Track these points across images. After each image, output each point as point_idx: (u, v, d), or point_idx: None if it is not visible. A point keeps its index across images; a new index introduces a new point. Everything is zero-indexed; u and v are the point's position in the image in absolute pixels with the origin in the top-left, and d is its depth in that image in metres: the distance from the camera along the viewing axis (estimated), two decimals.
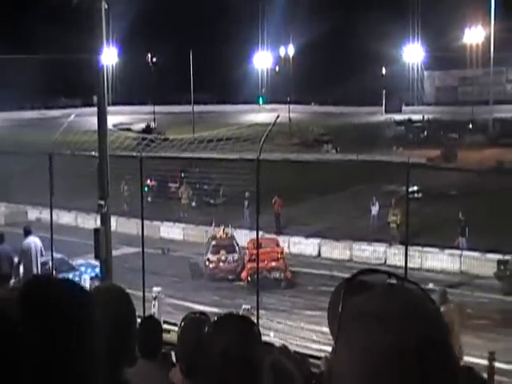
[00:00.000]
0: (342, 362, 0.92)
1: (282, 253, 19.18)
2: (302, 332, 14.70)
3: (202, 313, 3.87)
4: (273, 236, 21.22)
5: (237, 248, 20.19)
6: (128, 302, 2.32)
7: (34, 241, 14.45)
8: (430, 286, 18.43)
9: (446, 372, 0.90)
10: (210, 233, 21.96)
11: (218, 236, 20.85)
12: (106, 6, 13.98)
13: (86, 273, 17.71)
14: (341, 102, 63.72)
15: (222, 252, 19.76)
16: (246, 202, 24.23)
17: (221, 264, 19.58)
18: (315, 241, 22.23)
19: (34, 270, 14.20)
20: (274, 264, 18.33)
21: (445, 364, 0.89)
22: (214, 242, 20.31)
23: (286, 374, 3.08)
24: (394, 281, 1.02)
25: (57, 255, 17.16)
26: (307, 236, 22.50)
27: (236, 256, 19.86)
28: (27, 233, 14.57)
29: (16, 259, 14.13)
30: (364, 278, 1.02)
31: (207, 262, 19.78)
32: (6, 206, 28.56)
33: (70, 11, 14.71)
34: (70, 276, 15.13)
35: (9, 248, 14.09)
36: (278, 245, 19.94)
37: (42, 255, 14.59)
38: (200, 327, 3.40)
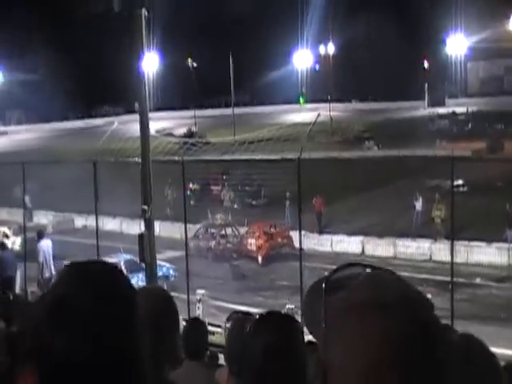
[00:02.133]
0: (338, 357, 0.92)
1: (288, 234, 21.52)
2: None
3: (246, 312, 3.96)
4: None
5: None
6: (170, 303, 2.38)
7: (46, 243, 15.77)
8: (477, 280, 18.23)
9: (447, 348, 0.92)
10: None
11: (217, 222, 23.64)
12: (147, 13, 14.19)
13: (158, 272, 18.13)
14: (382, 97, 63.11)
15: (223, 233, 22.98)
16: (288, 202, 24.29)
17: (227, 244, 22.35)
18: (358, 238, 22.14)
19: (47, 269, 15.47)
20: (285, 241, 21.46)
21: (443, 342, 0.92)
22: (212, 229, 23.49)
23: None
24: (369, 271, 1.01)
25: (126, 256, 17.93)
26: (350, 234, 22.43)
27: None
28: (40, 236, 15.88)
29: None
30: (341, 274, 1.02)
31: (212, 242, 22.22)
32: (54, 214, 29.27)
33: (112, 19, 15.03)
34: (140, 276, 16.02)
35: (12, 254, 15.15)
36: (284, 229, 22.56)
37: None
38: (244, 326, 3.52)
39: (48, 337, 1.07)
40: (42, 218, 28.77)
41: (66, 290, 1.11)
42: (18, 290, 15.21)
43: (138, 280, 15.96)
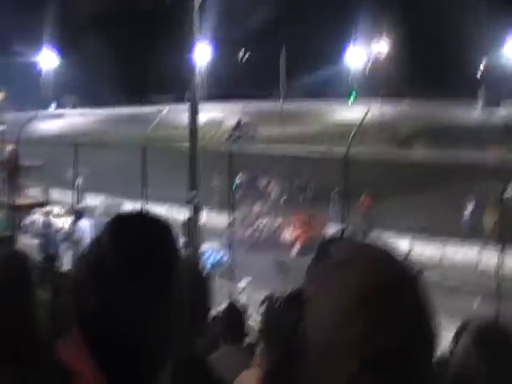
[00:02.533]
0: (320, 304, 0.99)
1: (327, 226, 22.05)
2: None
3: (280, 295, 3.95)
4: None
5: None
6: (201, 274, 2.39)
7: (85, 224, 16.23)
8: None
9: (420, 303, 0.96)
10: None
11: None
12: (199, 3, 14.28)
13: (209, 258, 18.57)
14: (437, 96, 62.07)
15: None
16: (333, 201, 24.12)
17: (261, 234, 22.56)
18: (405, 238, 21.86)
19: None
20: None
21: (418, 297, 0.96)
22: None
23: None
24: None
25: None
26: (397, 233, 22.17)
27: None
28: (79, 216, 16.51)
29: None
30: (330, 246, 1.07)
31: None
32: (104, 197, 29.79)
33: (165, 8, 15.13)
34: None
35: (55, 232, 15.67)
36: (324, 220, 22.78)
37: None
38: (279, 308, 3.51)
39: (86, 295, 1.09)
40: (92, 200, 29.30)
41: (106, 250, 1.12)
42: (66, 267, 15.58)
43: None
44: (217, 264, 17.33)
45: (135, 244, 1.11)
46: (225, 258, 19.07)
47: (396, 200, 25.48)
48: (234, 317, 4.33)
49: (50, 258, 14.59)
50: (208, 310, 2.48)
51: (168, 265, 1.12)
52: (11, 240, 14.39)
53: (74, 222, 16.64)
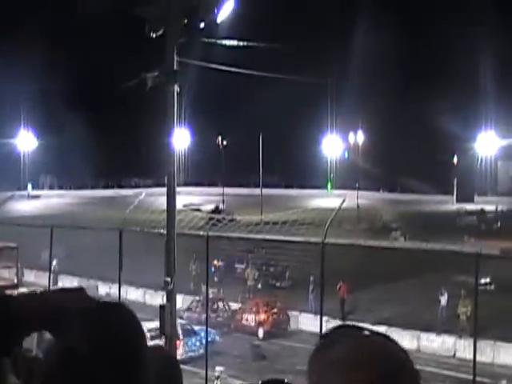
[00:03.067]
0: None
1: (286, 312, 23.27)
2: None
3: (280, 380, 3.90)
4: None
5: None
6: (177, 369, 2.37)
7: None
8: (503, 383, 17.65)
9: None
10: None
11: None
12: (178, 90, 14.59)
13: (204, 338, 18.78)
14: (411, 190, 63.32)
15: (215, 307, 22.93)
16: (311, 287, 24.10)
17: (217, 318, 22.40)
18: (381, 328, 21.71)
19: None
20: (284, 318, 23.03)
21: None
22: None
23: None
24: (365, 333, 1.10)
25: (182, 321, 18.48)
26: (373, 323, 22.05)
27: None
28: None
29: None
30: (337, 334, 1.10)
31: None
32: (79, 280, 29.37)
33: (145, 93, 15.41)
34: (193, 340, 18.67)
35: None
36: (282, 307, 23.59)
37: None
38: None
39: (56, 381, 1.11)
40: (67, 282, 28.84)
41: (74, 343, 1.13)
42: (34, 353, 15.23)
43: (191, 344, 18.28)
44: (211, 342, 17.38)
45: (104, 335, 1.13)
46: (217, 337, 19.11)
47: (372, 289, 25.52)
48: None
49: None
50: None
51: (133, 356, 1.15)
52: None
53: None
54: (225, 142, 66.84)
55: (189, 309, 23.27)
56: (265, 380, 2.20)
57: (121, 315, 1.18)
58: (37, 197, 61.30)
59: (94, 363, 1.09)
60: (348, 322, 22.65)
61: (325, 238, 14.01)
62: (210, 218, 25.81)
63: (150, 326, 18.87)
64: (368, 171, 65.91)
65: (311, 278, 23.67)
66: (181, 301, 20.46)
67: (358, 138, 74.78)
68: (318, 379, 1.02)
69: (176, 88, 14.52)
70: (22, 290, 24.20)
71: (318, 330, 16.01)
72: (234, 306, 24.07)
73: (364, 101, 66.13)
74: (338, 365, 0.99)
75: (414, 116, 63.59)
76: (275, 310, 23.09)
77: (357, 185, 57.34)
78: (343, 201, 15.69)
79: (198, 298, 23.93)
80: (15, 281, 23.40)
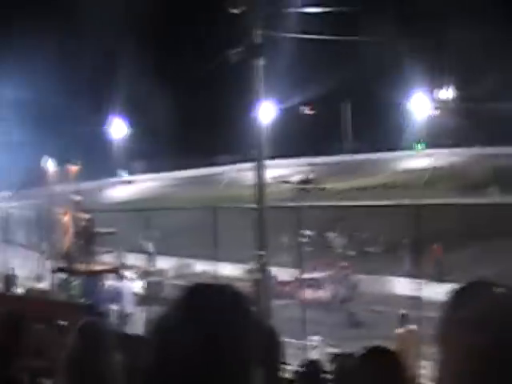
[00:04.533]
0: (452, 362, 1.00)
1: None
2: None
3: (349, 353, 4.00)
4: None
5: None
6: (278, 339, 2.45)
7: (126, 284, 18.39)
8: None
9: None
10: None
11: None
12: (263, 63, 14.61)
13: None
14: (508, 142, 60.66)
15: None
16: (406, 249, 23.80)
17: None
18: None
19: (127, 306, 17.41)
20: None
21: None
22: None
23: None
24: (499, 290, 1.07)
25: None
26: None
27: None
28: (121, 278, 18.60)
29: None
30: (467, 292, 1.09)
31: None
32: (175, 260, 30.33)
33: (229, 69, 15.45)
34: None
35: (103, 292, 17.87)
36: None
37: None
38: (351, 366, 3.58)
39: (164, 362, 1.12)
40: (164, 263, 29.88)
41: (184, 318, 1.14)
42: (140, 331, 15.93)
43: None
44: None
45: (211, 313, 1.13)
46: None
47: (469, 248, 24.85)
48: (314, 374, 4.40)
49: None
50: (278, 370, 2.50)
51: (242, 335, 1.15)
52: (91, 307, 15.01)
53: (119, 283, 18.33)
54: (311, 111, 66.43)
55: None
56: (368, 347, 2.24)
57: (223, 295, 1.20)
58: (131, 182, 63.43)
59: (201, 344, 1.10)
60: (444, 284, 22.25)
61: (418, 200, 13.83)
62: (301, 189, 25.94)
63: None
64: (459, 128, 63.74)
65: (405, 241, 23.36)
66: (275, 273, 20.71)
67: (448, 94, 72.31)
68: (445, 339, 1.02)
69: (261, 62, 14.57)
70: (125, 272, 25.30)
71: (414, 294, 15.88)
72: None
73: (454, 57, 63.66)
74: (467, 325, 0.97)
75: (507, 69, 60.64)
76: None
77: (449, 142, 55.62)
78: (436, 160, 15.35)
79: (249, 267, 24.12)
80: (117, 264, 24.42)
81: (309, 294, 22.85)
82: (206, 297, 1.17)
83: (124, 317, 16.76)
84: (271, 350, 2.35)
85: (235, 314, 1.16)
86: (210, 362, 1.10)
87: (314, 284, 23.04)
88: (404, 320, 12.48)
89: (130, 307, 17.57)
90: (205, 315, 1.13)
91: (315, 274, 23.32)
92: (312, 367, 4.65)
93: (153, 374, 1.12)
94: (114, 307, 17.49)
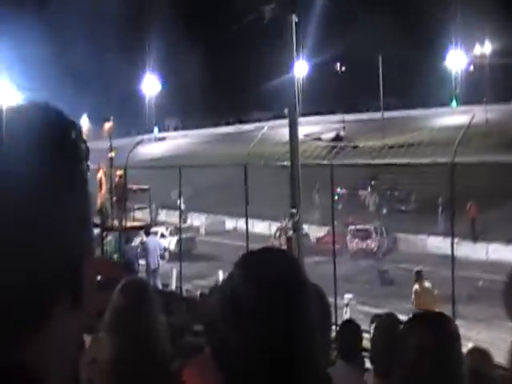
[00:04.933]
0: None
1: None
2: (505, 343, 13.93)
3: (390, 313, 3.91)
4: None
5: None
6: (324, 300, 2.40)
7: (153, 239, 18.18)
8: None
9: None
10: None
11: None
12: (297, 20, 14.37)
13: None
14: None
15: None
16: (440, 208, 23.55)
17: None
18: None
19: (153, 261, 17.25)
20: None
21: None
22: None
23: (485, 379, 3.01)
24: None
25: None
26: (508, 242, 21.29)
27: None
28: (148, 234, 18.43)
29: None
30: None
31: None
32: (207, 217, 30.50)
33: (263, 26, 15.26)
34: None
35: (134, 248, 18.05)
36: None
37: (160, 250, 18.40)
38: (391, 327, 3.51)
39: (226, 334, 1.10)
40: (196, 219, 30.09)
41: (240, 287, 1.13)
42: (173, 287, 16.15)
43: None
44: None
45: (268, 278, 1.13)
46: None
47: (504, 207, 24.44)
48: (349, 333, 4.33)
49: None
50: (330, 329, 2.47)
51: (298, 295, 1.14)
52: (128, 264, 15.27)
53: (145, 238, 18.39)
54: (343, 68, 65.44)
55: (274, 236, 23.88)
56: (417, 313, 2.16)
57: (276, 260, 1.19)
58: (163, 139, 63.66)
59: (262, 311, 1.10)
60: (479, 243, 22.07)
61: (454, 158, 13.52)
62: (333, 147, 25.69)
63: None
64: (496, 83, 62.19)
65: (440, 200, 23.11)
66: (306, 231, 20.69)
67: (485, 48, 70.41)
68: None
69: (294, 18, 14.32)
70: (156, 228, 25.58)
71: (449, 253, 15.72)
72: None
73: (490, 11, 61.82)
74: None
75: None
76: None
77: (484, 99, 54.41)
78: (473, 117, 14.98)
79: (281, 224, 24.29)
80: (149, 220, 24.66)
81: (357, 243, 23.21)
82: (259, 263, 1.18)
83: (151, 272, 16.94)
84: (323, 312, 2.28)
85: (296, 276, 1.16)
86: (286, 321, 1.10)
87: (363, 235, 23.33)
88: (419, 276, 12.66)
89: (155, 262, 17.71)
90: (261, 281, 1.13)
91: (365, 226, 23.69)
92: (349, 326, 4.58)
93: (226, 331, 1.10)
94: (142, 262, 17.78)
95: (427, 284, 12.58)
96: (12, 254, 0.73)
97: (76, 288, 0.79)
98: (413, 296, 12.65)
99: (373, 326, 5.33)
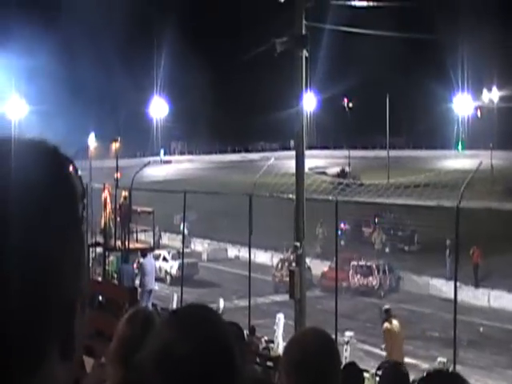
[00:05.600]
0: None
1: None
2: None
3: (397, 363, 3.86)
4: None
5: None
6: (333, 344, 2.33)
7: (149, 262, 18.23)
8: None
9: None
10: None
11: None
12: (307, 54, 14.47)
13: None
14: None
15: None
16: (448, 251, 23.40)
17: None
18: None
19: (149, 282, 17.46)
20: None
21: None
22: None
23: None
24: None
25: None
26: (510, 290, 21.15)
27: None
28: (144, 255, 18.54)
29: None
30: None
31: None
32: (209, 243, 30.39)
33: (275, 59, 15.37)
34: None
35: (131, 268, 18.13)
36: None
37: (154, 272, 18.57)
38: (398, 379, 3.42)
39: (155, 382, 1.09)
40: (198, 245, 29.98)
41: (172, 340, 1.11)
42: None
43: None
44: None
45: (195, 339, 1.11)
46: None
47: (509, 253, 24.33)
48: (352, 377, 4.24)
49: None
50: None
51: (230, 348, 1.12)
52: (135, 290, 15.28)
53: (142, 259, 18.54)
54: (350, 104, 65.82)
55: (277, 268, 23.84)
56: (432, 370, 2.14)
57: (215, 317, 1.18)
58: (168, 162, 63.80)
59: (192, 364, 1.08)
60: (481, 289, 21.90)
61: (460, 202, 13.49)
62: (339, 183, 25.74)
63: None
64: (502, 130, 62.51)
65: (448, 242, 22.97)
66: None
67: (492, 94, 70.86)
68: None
69: (305, 53, 14.41)
70: (158, 251, 25.46)
71: (450, 296, 15.61)
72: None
73: (498, 55, 62.42)
74: None
75: None
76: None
77: (490, 144, 54.60)
78: (480, 163, 14.99)
79: (282, 256, 24.17)
80: (152, 243, 24.56)
81: (358, 280, 23.04)
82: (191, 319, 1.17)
83: (147, 292, 16.96)
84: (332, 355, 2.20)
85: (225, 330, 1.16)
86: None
87: (365, 271, 23.17)
88: (388, 315, 12.84)
89: (152, 283, 17.82)
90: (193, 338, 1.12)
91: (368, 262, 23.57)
92: (351, 369, 4.50)
93: None
94: (137, 282, 17.84)
95: (395, 322, 12.78)
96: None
97: (67, 338, 0.72)
98: (384, 335, 12.86)
99: (379, 372, 5.26)
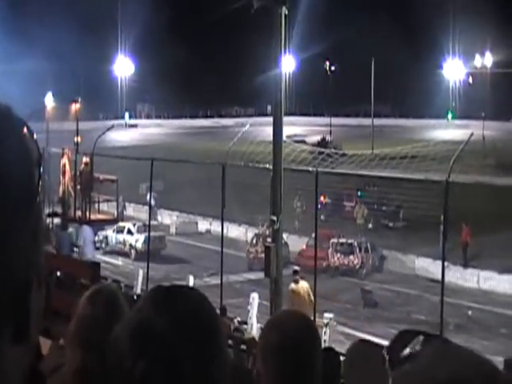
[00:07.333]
0: None
1: None
2: None
3: (371, 342, 3.80)
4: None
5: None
6: (315, 332, 2.33)
7: (88, 229, 18.86)
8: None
9: None
10: None
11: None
12: (287, 12, 14.29)
13: None
14: None
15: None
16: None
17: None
18: (511, 278, 21.12)
19: (89, 251, 18.08)
20: None
21: None
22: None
23: None
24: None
25: None
26: (501, 271, 21.42)
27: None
28: (82, 223, 19.26)
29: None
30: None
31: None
32: (178, 215, 30.23)
33: (249, 16, 15.18)
34: None
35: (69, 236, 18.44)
36: None
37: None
38: (369, 356, 3.35)
39: (129, 360, 1.08)
40: (166, 217, 29.81)
41: (149, 316, 1.11)
42: (138, 289, 15.90)
43: None
44: None
45: (174, 316, 1.11)
46: None
47: (499, 233, 24.62)
48: (330, 362, 4.19)
49: None
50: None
51: (205, 334, 1.12)
52: (95, 264, 15.23)
53: (80, 227, 18.99)
54: (332, 68, 65.55)
55: (251, 244, 23.84)
56: (403, 330, 2.14)
57: (196, 295, 1.17)
58: (134, 126, 63.22)
59: (173, 339, 1.07)
60: (470, 269, 22.16)
61: (449, 176, 13.55)
62: (319, 153, 25.66)
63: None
64: (495, 98, 62.95)
65: (431, 219, 23.10)
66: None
67: (486, 60, 71.17)
68: None
69: (284, 10, 14.20)
70: (122, 224, 25.27)
71: (438, 277, 15.75)
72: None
73: (491, 17, 62.63)
74: (412, 380, 0.90)
75: None
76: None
77: (482, 114, 55.03)
78: (471, 134, 15.05)
79: (258, 231, 24.38)
80: (115, 215, 24.32)
81: (338, 259, 23.02)
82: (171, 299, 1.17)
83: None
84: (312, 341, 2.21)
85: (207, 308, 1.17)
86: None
87: (346, 249, 23.16)
88: (295, 275, 14.57)
89: (92, 252, 18.26)
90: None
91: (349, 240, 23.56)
92: (329, 355, 4.45)
93: None
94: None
95: (305, 284, 14.05)
96: None
97: (21, 319, 0.71)
98: (289, 294, 14.18)
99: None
